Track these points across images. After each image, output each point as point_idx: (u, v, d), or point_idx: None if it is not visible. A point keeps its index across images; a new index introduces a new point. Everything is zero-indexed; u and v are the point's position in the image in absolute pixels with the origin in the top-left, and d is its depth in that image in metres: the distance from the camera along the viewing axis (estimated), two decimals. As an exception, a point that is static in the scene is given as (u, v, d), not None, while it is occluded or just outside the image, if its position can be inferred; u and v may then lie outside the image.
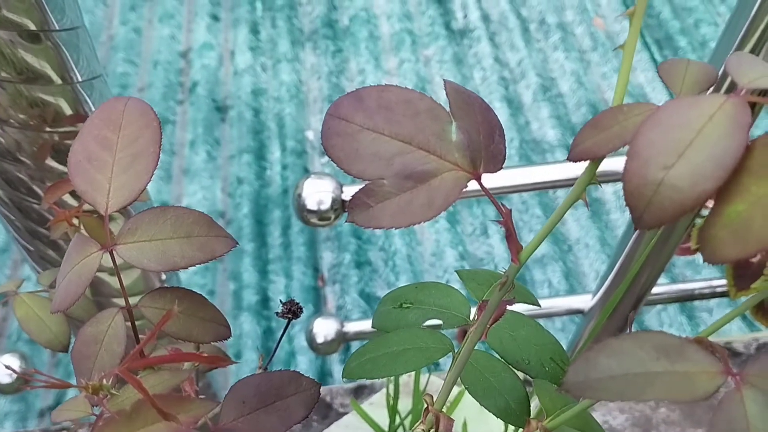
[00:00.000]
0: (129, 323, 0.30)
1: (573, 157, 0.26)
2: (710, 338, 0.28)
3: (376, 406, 0.71)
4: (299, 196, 0.66)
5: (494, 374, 0.35)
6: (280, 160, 1.58)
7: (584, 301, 0.85)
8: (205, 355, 0.24)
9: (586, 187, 0.27)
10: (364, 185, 0.28)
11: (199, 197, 1.49)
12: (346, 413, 0.80)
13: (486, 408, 0.34)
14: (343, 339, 0.84)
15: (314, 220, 0.66)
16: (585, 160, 0.25)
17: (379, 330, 0.40)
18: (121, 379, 0.29)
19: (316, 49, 1.80)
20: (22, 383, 0.78)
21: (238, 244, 0.31)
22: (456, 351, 0.37)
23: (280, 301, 0.41)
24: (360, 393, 0.93)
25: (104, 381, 0.24)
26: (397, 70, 1.74)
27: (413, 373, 0.73)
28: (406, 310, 0.39)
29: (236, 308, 1.35)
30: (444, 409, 0.69)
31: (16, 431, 1.06)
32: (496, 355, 0.37)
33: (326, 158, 1.56)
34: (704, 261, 0.21)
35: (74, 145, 0.30)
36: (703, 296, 0.86)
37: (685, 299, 0.87)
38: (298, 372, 0.36)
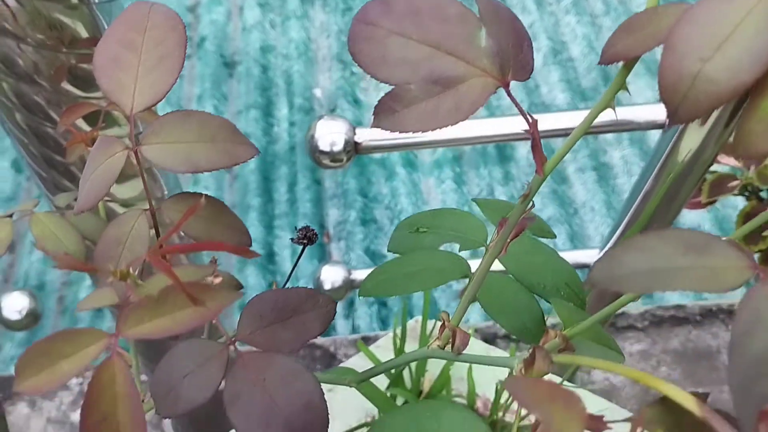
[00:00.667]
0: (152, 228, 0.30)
1: (605, 60, 0.25)
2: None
3: (382, 349, 0.71)
4: (312, 137, 0.66)
5: (510, 294, 0.35)
6: (287, 117, 1.57)
7: (591, 256, 0.86)
8: (232, 245, 0.24)
9: (615, 94, 0.27)
10: (390, 90, 0.28)
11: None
12: (351, 360, 0.81)
13: (502, 326, 0.35)
14: (350, 286, 0.84)
15: (326, 162, 0.66)
16: (618, 61, 0.25)
17: (394, 253, 0.40)
18: (146, 271, 0.29)
19: (326, 6, 1.78)
20: (30, 320, 0.79)
21: (259, 152, 0.31)
22: (472, 273, 0.37)
23: (295, 227, 0.42)
24: (365, 343, 0.94)
25: (131, 269, 0.24)
26: (407, 30, 1.72)
27: (420, 318, 0.74)
28: (423, 234, 0.39)
29: (241, 261, 1.36)
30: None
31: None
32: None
33: (334, 116, 1.55)
34: (739, 156, 0.21)
35: (99, 47, 0.30)
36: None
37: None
38: (315, 289, 0.36)
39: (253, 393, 0.33)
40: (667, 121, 0.22)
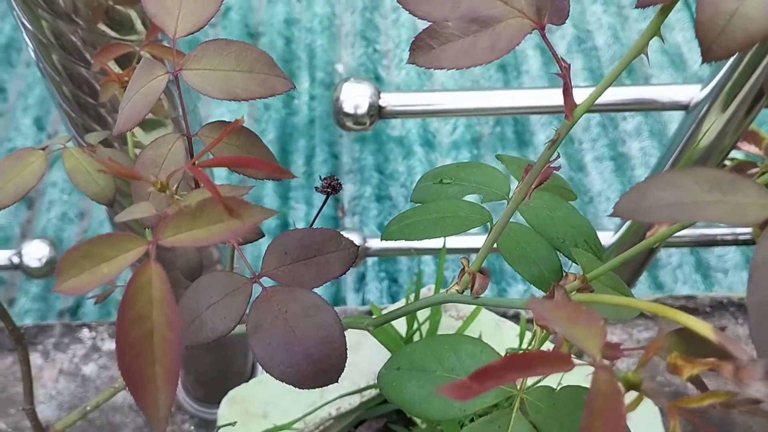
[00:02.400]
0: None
1: (642, 3, 0.26)
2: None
3: (394, 314, 0.72)
4: (337, 99, 0.66)
5: (530, 244, 0.36)
6: (308, 91, 1.58)
7: (605, 238, 0.86)
8: (268, 164, 0.25)
9: (650, 39, 0.27)
10: (427, 27, 0.28)
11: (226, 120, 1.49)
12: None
13: (520, 274, 0.35)
14: (364, 254, 0.85)
15: (350, 124, 0.66)
16: (655, 4, 0.25)
17: (418, 203, 0.41)
18: (184, 186, 0.30)
19: (352, -17, 1.78)
20: (50, 269, 0.80)
21: (295, 87, 0.32)
22: (494, 222, 0.38)
23: (320, 177, 0.42)
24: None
25: (170, 181, 0.25)
26: (431, 11, 1.72)
27: (432, 286, 0.75)
28: (447, 185, 0.40)
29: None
30: (462, 323, 0.70)
31: (36, 324, 1.09)
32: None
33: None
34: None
35: (145, -27, 0.31)
36: (725, 242, 0.86)
37: (706, 244, 0.87)
38: (339, 232, 0.37)
39: (275, 324, 0.34)
40: (702, 58, 0.23)
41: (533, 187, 0.32)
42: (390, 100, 0.67)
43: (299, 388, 0.34)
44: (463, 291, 0.35)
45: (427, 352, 0.30)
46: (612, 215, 0.23)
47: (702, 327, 0.22)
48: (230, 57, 0.30)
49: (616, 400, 0.19)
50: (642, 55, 0.29)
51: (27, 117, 1.51)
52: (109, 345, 1.01)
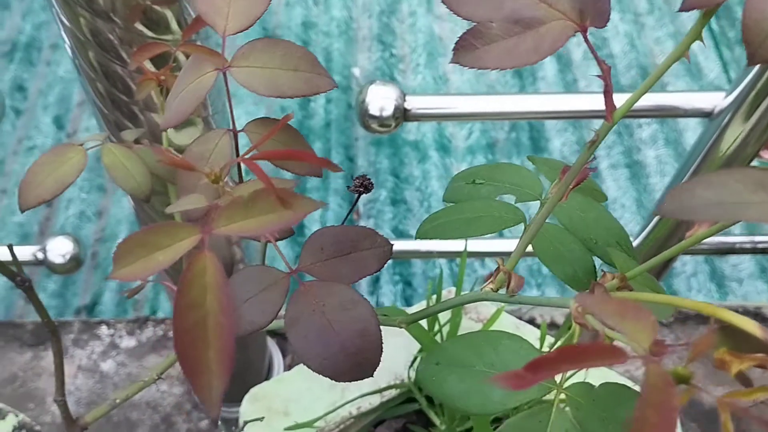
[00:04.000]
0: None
1: (687, 6, 0.26)
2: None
3: (414, 315, 0.73)
4: (362, 101, 0.67)
5: (564, 244, 0.36)
6: (324, 94, 1.59)
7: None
8: (317, 157, 0.26)
9: (691, 44, 0.28)
10: (471, 27, 0.29)
11: (243, 122, 1.50)
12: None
13: (554, 274, 0.36)
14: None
15: (375, 126, 0.67)
16: (700, 8, 0.26)
17: (450, 202, 0.41)
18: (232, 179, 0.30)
19: (369, -12, 1.79)
20: (73, 265, 0.81)
21: (337, 86, 0.33)
22: (528, 223, 0.38)
23: (352, 176, 0.43)
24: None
25: (223, 172, 0.26)
26: (448, 16, 1.73)
27: (453, 289, 0.75)
28: (479, 186, 0.40)
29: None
30: (482, 325, 0.70)
31: (55, 320, 1.09)
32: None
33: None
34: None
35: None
36: (743, 251, 0.86)
37: (724, 252, 0.87)
38: (374, 230, 0.38)
39: (313, 317, 0.35)
40: (747, 61, 0.23)
41: (570, 187, 0.32)
42: (415, 103, 0.67)
43: (336, 381, 0.35)
44: (497, 290, 0.36)
45: (466, 347, 0.30)
46: (657, 214, 0.24)
47: (748, 323, 0.22)
48: (277, 55, 0.31)
49: (669, 392, 0.20)
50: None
51: (47, 116, 1.52)
52: (127, 342, 1.02)
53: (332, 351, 0.34)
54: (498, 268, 0.36)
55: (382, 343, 0.35)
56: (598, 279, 0.36)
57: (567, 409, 0.28)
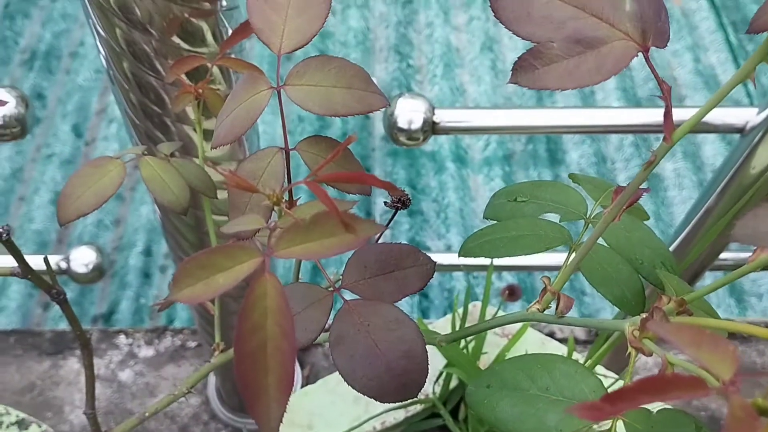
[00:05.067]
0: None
1: (754, 29, 0.26)
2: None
3: (438, 329, 0.72)
4: (391, 114, 0.67)
5: (612, 265, 0.36)
6: (341, 104, 1.59)
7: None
8: (379, 180, 0.25)
9: (757, 65, 0.27)
10: (531, 48, 0.29)
11: (260, 130, 1.50)
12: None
13: (603, 295, 0.35)
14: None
15: (403, 139, 0.67)
16: (765, 31, 0.26)
17: (491, 220, 0.41)
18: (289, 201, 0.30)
19: (386, -2, 1.80)
20: (96, 275, 0.81)
21: (390, 104, 0.32)
22: (574, 243, 0.38)
23: (389, 192, 0.43)
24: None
25: (283, 194, 0.26)
26: (465, 27, 1.73)
27: (478, 303, 0.75)
28: (522, 204, 0.40)
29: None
30: (507, 340, 0.70)
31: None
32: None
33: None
34: None
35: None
36: (765, 267, 0.85)
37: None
38: (416, 247, 0.37)
39: (357, 336, 0.34)
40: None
41: (624, 208, 0.32)
42: (444, 116, 0.67)
43: (380, 402, 0.34)
44: (544, 310, 0.35)
45: (519, 371, 0.30)
46: (731, 241, 0.23)
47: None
48: (330, 73, 0.31)
49: (753, 425, 0.19)
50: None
51: (65, 124, 1.53)
52: (146, 352, 1.01)
53: (378, 372, 0.34)
54: (545, 287, 0.35)
55: (427, 362, 0.35)
56: (647, 301, 0.36)
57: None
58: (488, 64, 1.66)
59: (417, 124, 0.66)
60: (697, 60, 1.67)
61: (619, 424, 0.29)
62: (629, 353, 0.30)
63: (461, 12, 1.76)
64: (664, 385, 0.20)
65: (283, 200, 0.26)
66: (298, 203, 0.31)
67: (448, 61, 1.66)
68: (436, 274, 1.24)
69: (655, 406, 0.28)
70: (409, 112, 0.66)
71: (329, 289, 0.36)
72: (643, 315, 0.28)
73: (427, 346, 0.40)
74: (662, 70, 1.67)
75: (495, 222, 0.40)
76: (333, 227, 0.25)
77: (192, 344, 1.01)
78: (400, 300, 0.37)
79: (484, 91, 1.62)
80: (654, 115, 0.68)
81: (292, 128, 1.53)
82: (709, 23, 1.74)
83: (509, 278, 1.32)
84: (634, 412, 0.28)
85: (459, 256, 0.38)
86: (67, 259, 0.79)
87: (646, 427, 0.28)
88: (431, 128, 0.67)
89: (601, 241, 0.38)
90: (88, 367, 0.50)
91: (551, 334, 1.07)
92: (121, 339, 1.03)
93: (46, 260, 0.45)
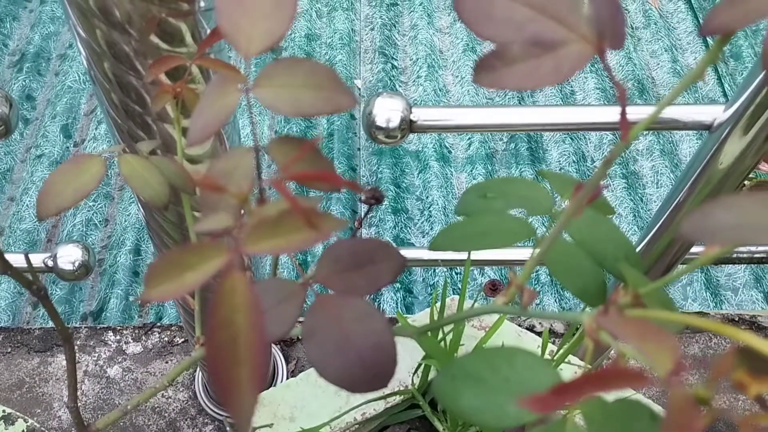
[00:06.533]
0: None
1: (707, 31, 0.27)
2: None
3: (418, 322, 0.73)
4: (369, 113, 0.68)
5: (575, 258, 0.37)
6: (326, 103, 1.60)
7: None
8: (344, 179, 0.26)
9: (708, 65, 0.29)
10: (493, 48, 0.30)
11: (247, 132, 1.51)
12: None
13: (565, 287, 0.36)
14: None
15: (381, 137, 0.68)
16: (719, 33, 0.27)
17: (462, 216, 0.42)
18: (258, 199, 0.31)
19: (372, 0, 1.80)
20: (82, 272, 0.81)
21: (358, 103, 0.33)
22: (538, 237, 0.39)
23: (365, 186, 0.44)
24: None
25: (250, 192, 0.27)
26: (448, 29, 1.74)
27: (456, 297, 0.76)
28: (491, 199, 0.41)
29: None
30: (484, 333, 0.71)
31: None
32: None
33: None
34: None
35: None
36: (740, 260, 0.87)
37: (722, 262, 0.88)
38: (389, 242, 0.38)
39: (330, 329, 0.35)
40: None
41: (585, 204, 0.33)
42: (421, 115, 0.68)
43: (352, 392, 0.35)
44: (509, 302, 0.36)
45: (482, 362, 0.31)
46: (678, 238, 0.24)
47: (763, 345, 0.23)
48: (299, 74, 0.32)
49: (693, 415, 0.20)
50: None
51: (54, 125, 1.53)
52: (134, 348, 1.02)
53: (349, 363, 0.35)
54: (510, 281, 0.36)
55: (396, 353, 0.36)
56: (608, 294, 0.37)
57: (582, 423, 0.29)
58: (471, 65, 1.68)
59: (395, 122, 0.67)
60: (674, 60, 1.69)
61: (577, 413, 0.30)
62: (587, 344, 0.31)
63: (445, 14, 1.77)
64: (606, 378, 0.21)
65: (253, 198, 0.27)
66: (271, 200, 0.32)
67: (431, 62, 1.67)
68: (420, 270, 1.26)
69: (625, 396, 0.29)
70: (387, 111, 0.67)
71: (302, 283, 0.37)
72: (600, 308, 0.29)
73: (407, 339, 0.41)
74: (641, 71, 1.69)
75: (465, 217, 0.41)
76: (298, 224, 0.26)
77: (179, 340, 1.02)
78: (373, 293, 0.38)
79: (467, 92, 1.63)
80: (632, 113, 0.70)
81: (279, 129, 1.54)
82: (686, 24, 1.76)
83: (491, 274, 1.33)
84: (592, 402, 0.29)
85: (429, 249, 0.39)
86: (53, 257, 0.80)
87: (603, 416, 0.29)
88: (408, 126, 0.68)
89: (567, 235, 0.39)
90: (70, 361, 0.51)
91: (531, 328, 1.09)
92: (110, 336, 1.03)
93: (26, 256, 0.45)
